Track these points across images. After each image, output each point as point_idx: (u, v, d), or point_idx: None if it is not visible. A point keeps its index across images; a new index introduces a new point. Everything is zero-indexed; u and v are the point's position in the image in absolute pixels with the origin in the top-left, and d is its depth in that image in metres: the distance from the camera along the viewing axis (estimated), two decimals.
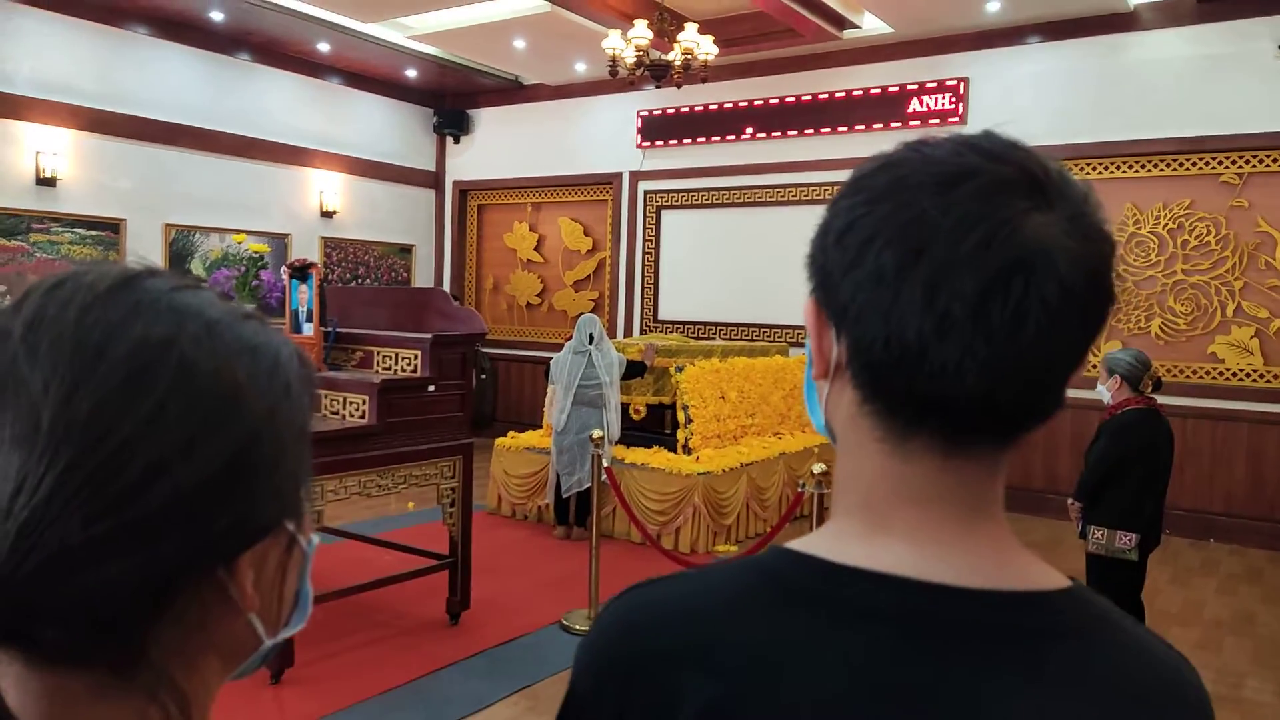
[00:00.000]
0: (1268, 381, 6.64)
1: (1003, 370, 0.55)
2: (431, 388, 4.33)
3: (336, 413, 4.21)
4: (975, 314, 0.54)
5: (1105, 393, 3.86)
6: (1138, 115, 6.93)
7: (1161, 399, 3.94)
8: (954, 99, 7.63)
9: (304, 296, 4.58)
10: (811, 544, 0.62)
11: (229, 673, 0.54)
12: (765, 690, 0.57)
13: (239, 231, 8.15)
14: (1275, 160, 6.59)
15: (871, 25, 7.64)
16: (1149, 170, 7.00)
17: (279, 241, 8.86)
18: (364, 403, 4.12)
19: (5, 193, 7.07)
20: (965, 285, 0.54)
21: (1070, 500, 3.95)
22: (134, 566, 0.44)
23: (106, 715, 0.47)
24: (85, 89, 7.50)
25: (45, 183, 7.25)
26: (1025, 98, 7.33)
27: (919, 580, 0.58)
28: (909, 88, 7.81)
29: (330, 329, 4.58)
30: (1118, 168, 7.09)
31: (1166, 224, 6.94)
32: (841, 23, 7.56)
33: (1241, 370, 6.71)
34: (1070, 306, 0.55)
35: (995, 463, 0.60)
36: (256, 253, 5.48)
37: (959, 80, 7.61)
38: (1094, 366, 4.15)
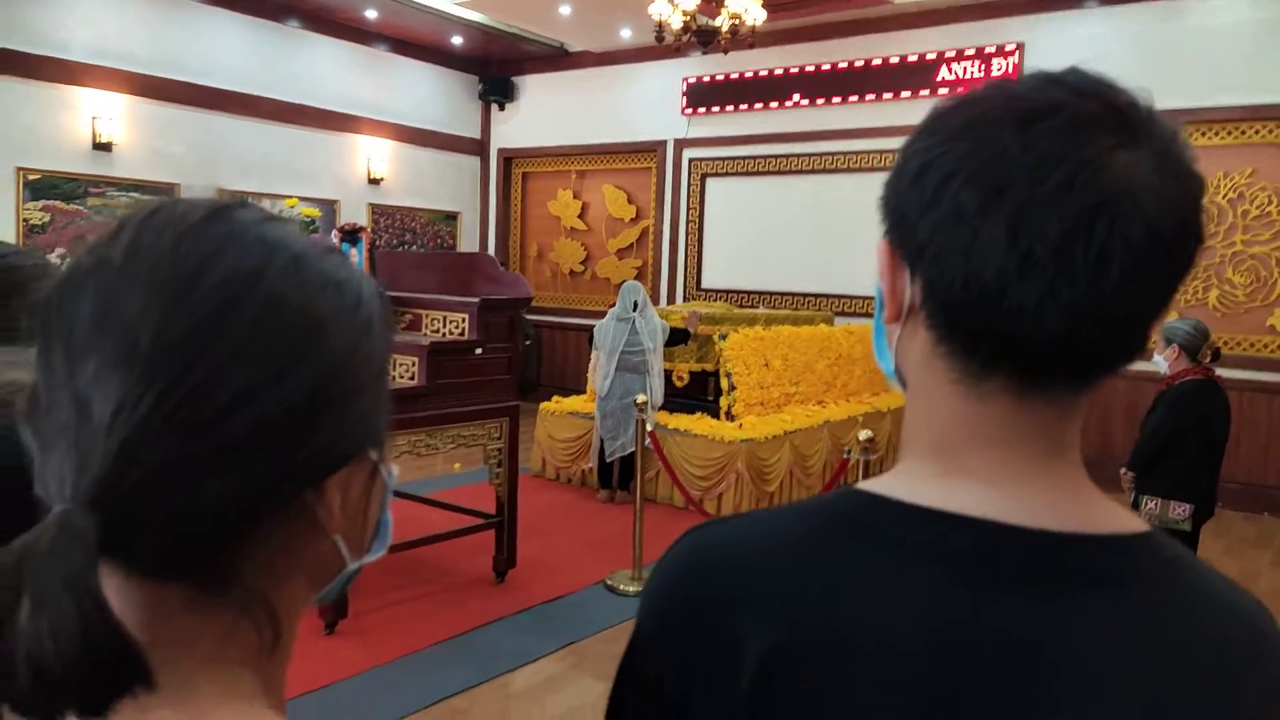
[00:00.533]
0: None
1: (1085, 312, 0.54)
2: (479, 350, 4.37)
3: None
4: (1058, 255, 0.53)
5: (1163, 363, 3.80)
6: (1199, 82, 6.72)
7: (1218, 371, 3.86)
8: (1009, 64, 7.46)
9: (354, 260, 4.64)
10: (883, 485, 0.62)
11: (315, 593, 0.56)
12: (833, 633, 0.57)
13: (289, 197, 8.25)
14: None
15: None
16: (1210, 139, 6.80)
17: (328, 207, 8.95)
18: (413, 364, 4.18)
19: (63, 157, 7.22)
20: (1048, 225, 0.53)
21: (1123, 470, 3.90)
22: (226, 486, 0.46)
23: (201, 626, 0.49)
24: (139, 55, 7.61)
25: (101, 147, 7.39)
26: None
27: (995, 521, 0.57)
28: (963, 53, 7.65)
29: (380, 292, 4.63)
30: None
31: (1227, 193, 6.75)
32: None
33: None
34: (1156, 248, 0.54)
35: (1072, 405, 0.59)
36: (308, 216, 5.58)
37: (1015, 45, 7.43)
38: (1152, 339, 4.09)
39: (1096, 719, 0.54)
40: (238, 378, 0.46)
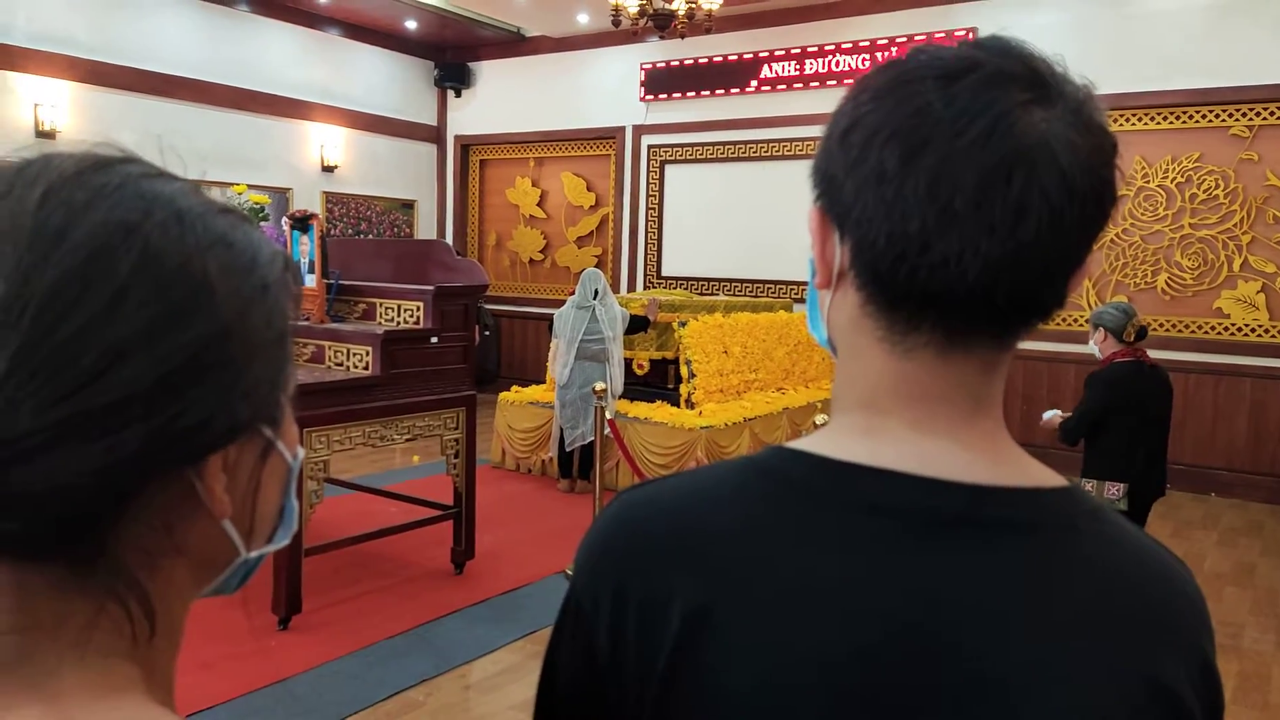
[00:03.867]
0: (1273, 337, 6.61)
1: (1003, 264, 0.55)
2: (434, 339, 4.33)
3: (340, 364, 4.21)
4: (977, 207, 0.54)
5: (1096, 349, 3.88)
6: (1148, 67, 6.83)
7: (1167, 354, 3.95)
8: None
9: (305, 248, 4.56)
10: (810, 443, 0.63)
11: (205, 583, 0.52)
12: (755, 591, 0.57)
13: (239, 184, 8.11)
14: None
15: None
16: (1158, 123, 6.92)
17: (280, 196, 8.80)
18: (367, 354, 4.12)
19: (4, 145, 7.01)
20: (967, 178, 0.54)
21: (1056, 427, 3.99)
22: (90, 457, 0.42)
23: (66, 609, 0.45)
24: (83, 40, 7.41)
25: (45, 135, 7.19)
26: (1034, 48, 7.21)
27: (919, 475, 0.58)
28: (918, 38, 7.70)
29: (332, 281, 4.56)
30: (1127, 120, 6.99)
31: (1175, 177, 6.87)
32: None
33: (1247, 325, 6.68)
34: (1072, 200, 0.55)
35: (995, 361, 0.61)
36: (257, 204, 5.44)
37: (968, 30, 7.49)
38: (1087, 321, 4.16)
39: (1007, 665, 0.55)
40: (105, 338, 0.42)
